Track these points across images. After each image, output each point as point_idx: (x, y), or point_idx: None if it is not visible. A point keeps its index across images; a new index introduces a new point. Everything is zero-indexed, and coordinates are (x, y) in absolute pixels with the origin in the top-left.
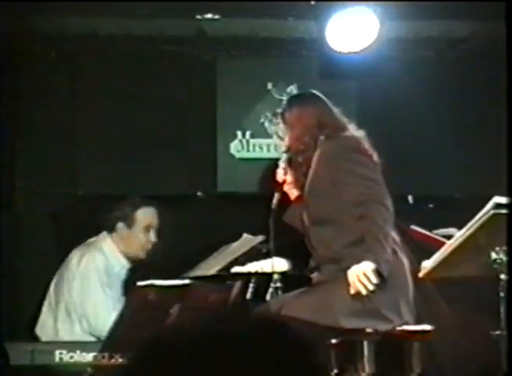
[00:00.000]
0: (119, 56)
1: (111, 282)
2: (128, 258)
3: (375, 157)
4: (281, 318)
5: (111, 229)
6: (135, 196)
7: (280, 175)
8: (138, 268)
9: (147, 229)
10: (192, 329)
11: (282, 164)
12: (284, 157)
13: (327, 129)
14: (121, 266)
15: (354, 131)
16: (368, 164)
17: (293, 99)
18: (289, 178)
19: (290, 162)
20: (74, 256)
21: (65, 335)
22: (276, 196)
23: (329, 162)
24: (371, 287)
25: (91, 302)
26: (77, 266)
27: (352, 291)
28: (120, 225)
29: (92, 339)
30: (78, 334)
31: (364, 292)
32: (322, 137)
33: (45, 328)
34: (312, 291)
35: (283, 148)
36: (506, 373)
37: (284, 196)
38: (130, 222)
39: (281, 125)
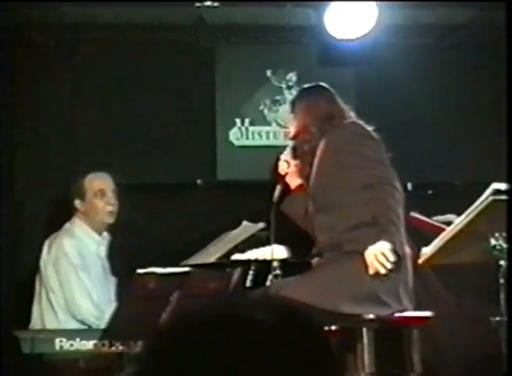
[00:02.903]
0: (118, 44)
1: (88, 263)
2: (101, 229)
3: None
4: (280, 298)
5: (75, 211)
6: (122, 185)
7: (283, 167)
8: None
9: (101, 193)
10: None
11: (284, 157)
12: (289, 145)
13: (334, 120)
14: (97, 243)
15: (363, 124)
16: (376, 147)
17: (304, 90)
18: (291, 168)
19: (294, 151)
20: (45, 246)
21: (50, 325)
22: (278, 188)
23: (337, 146)
24: (389, 266)
25: (68, 288)
26: (48, 255)
27: (371, 272)
28: (77, 201)
29: (80, 326)
30: (63, 322)
31: (383, 271)
32: (327, 129)
33: (34, 319)
34: (312, 274)
35: (289, 135)
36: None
37: (285, 188)
38: (81, 195)
39: (288, 114)
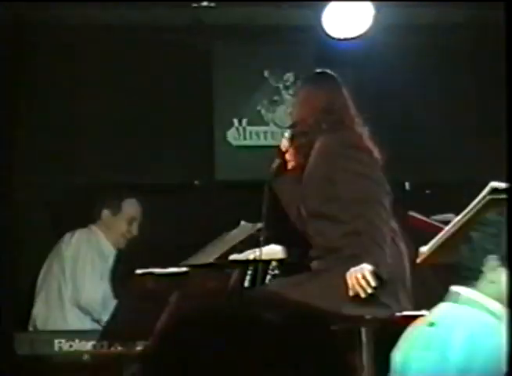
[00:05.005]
0: (116, 45)
1: (100, 257)
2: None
3: (376, 153)
4: (283, 298)
5: (97, 217)
6: (121, 185)
7: (284, 144)
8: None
9: (131, 220)
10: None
11: (288, 135)
12: (289, 132)
13: (333, 116)
14: (110, 251)
15: (359, 125)
16: (367, 162)
17: (309, 78)
18: (292, 149)
19: (292, 139)
20: (66, 235)
21: (57, 320)
22: (277, 161)
23: (328, 159)
24: (370, 291)
25: (81, 271)
26: (70, 239)
27: (351, 294)
28: (106, 212)
29: (82, 315)
30: (69, 312)
31: (363, 295)
32: (324, 125)
33: (35, 314)
34: (312, 276)
35: (289, 123)
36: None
37: (283, 165)
38: (115, 210)
39: (292, 99)
